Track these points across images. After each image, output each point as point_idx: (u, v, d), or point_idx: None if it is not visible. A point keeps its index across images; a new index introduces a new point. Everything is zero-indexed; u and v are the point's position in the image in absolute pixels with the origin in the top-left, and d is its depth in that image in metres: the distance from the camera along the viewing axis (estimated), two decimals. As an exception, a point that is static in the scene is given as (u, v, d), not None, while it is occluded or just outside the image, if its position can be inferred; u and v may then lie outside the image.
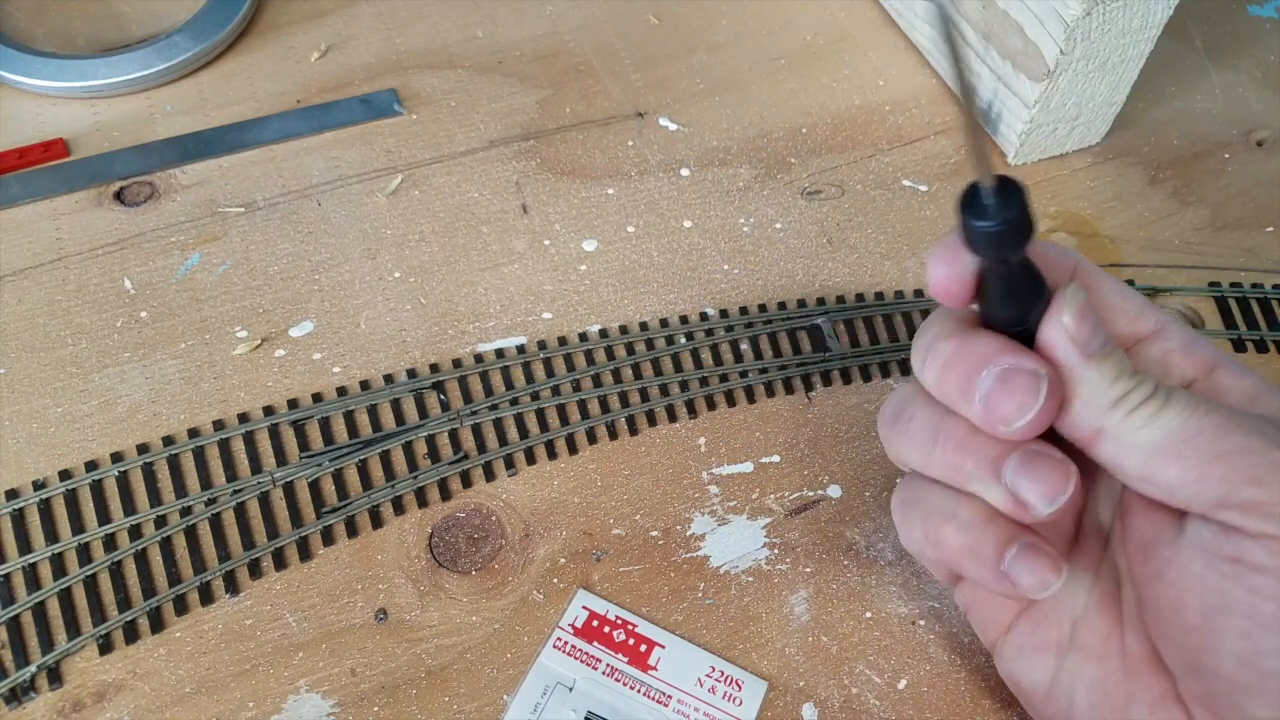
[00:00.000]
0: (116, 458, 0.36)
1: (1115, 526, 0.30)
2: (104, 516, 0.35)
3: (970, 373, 0.26)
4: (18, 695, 0.32)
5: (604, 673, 0.33)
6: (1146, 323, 0.28)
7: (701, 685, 0.33)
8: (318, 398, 0.38)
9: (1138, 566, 0.27)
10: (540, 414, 0.39)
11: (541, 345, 0.40)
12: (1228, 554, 0.24)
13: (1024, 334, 0.27)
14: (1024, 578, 0.27)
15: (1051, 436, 0.27)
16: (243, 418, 0.37)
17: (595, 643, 0.34)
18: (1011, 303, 0.26)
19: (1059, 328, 0.26)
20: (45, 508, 0.35)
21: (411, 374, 0.39)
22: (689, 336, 0.41)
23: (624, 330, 0.41)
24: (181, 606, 0.34)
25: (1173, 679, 0.27)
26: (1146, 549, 0.27)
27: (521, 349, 0.40)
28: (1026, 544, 0.27)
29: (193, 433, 0.37)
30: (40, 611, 0.33)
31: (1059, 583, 0.27)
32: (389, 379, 0.39)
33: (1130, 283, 0.43)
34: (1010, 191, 0.23)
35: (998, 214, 0.23)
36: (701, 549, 0.36)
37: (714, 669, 0.33)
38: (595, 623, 0.34)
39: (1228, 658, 0.25)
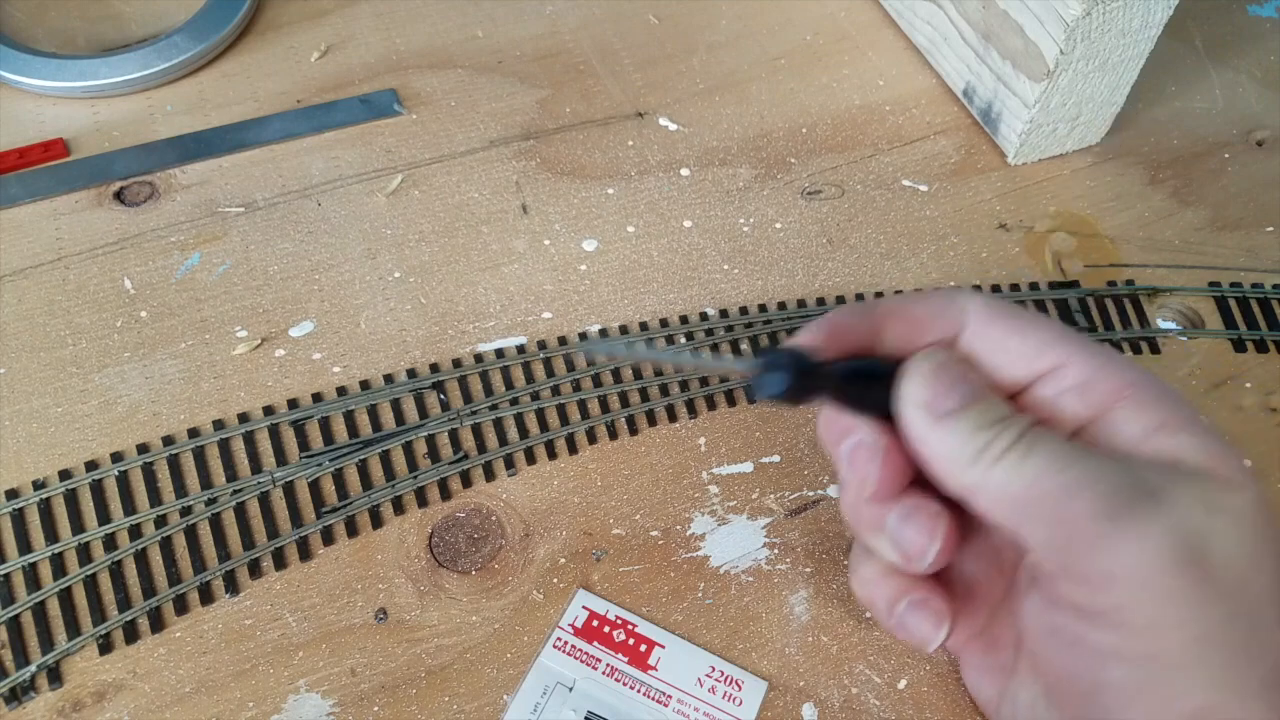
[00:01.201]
0: (116, 458, 0.36)
1: None
2: (104, 516, 0.35)
3: (835, 444, 0.29)
4: (18, 695, 0.32)
5: (604, 673, 0.33)
6: (1044, 360, 0.27)
7: (701, 685, 0.33)
8: (318, 398, 0.38)
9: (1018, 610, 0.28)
10: (540, 414, 0.39)
11: (541, 345, 0.40)
12: (1054, 622, 0.25)
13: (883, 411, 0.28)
14: (912, 631, 0.29)
15: None
16: (243, 418, 0.37)
17: (595, 643, 0.34)
18: (852, 405, 0.28)
19: (901, 403, 0.27)
20: (45, 508, 0.35)
21: (411, 374, 0.39)
22: (689, 336, 0.41)
23: (624, 330, 0.41)
24: (181, 606, 0.34)
25: None
26: (1017, 596, 0.28)
27: (521, 349, 0.40)
28: (912, 600, 0.29)
29: (193, 433, 0.37)
30: (40, 611, 0.33)
31: (942, 637, 0.28)
32: (389, 379, 0.39)
33: (1130, 282, 0.43)
34: (774, 379, 0.25)
35: (766, 389, 0.26)
36: (701, 549, 0.36)
37: (714, 669, 0.33)
38: (595, 623, 0.34)
39: (1072, 716, 0.26)
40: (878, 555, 0.29)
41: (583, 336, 0.40)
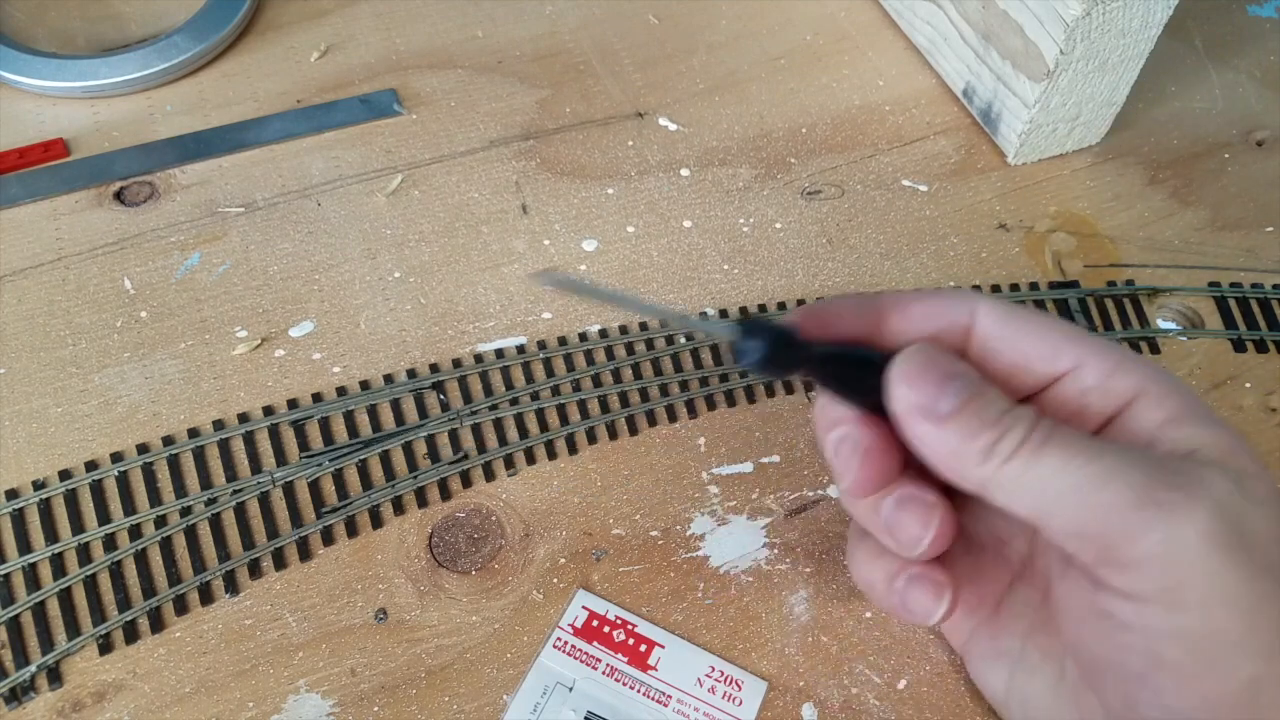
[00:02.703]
0: (116, 458, 0.36)
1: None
2: (104, 516, 0.35)
3: (824, 432, 0.28)
4: (18, 695, 0.32)
5: (604, 673, 0.33)
6: (1062, 361, 0.27)
7: (701, 685, 0.33)
8: (318, 398, 0.38)
9: (1050, 600, 0.28)
10: (540, 414, 0.39)
11: (541, 345, 0.40)
12: (1099, 608, 0.25)
13: (874, 406, 0.27)
14: (913, 606, 0.28)
15: None
16: (243, 418, 0.37)
17: (595, 643, 0.34)
18: (840, 394, 0.27)
19: (896, 402, 0.26)
20: (45, 508, 0.35)
21: (411, 374, 0.39)
22: (689, 336, 0.41)
23: (624, 330, 0.41)
24: (181, 606, 0.34)
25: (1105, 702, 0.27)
26: (1048, 587, 0.28)
27: (521, 349, 0.40)
28: (913, 575, 0.28)
29: (193, 433, 0.37)
30: (40, 611, 0.33)
31: (941, 608, 0.28)
32: (389, 379, 0.39)
33: (1130, 282, 0.43)
34: (754, 340, 0.25)
35: (746, 356, 0.25)
36: (701, 549, 0.36)
37: (714, 669, 0.33)
38: (595, 623, 0.34)
39: (1115, 699, 0.25)
40: (871, 539, 0.29)
41: (583, 337, 0.40)
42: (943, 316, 0.28)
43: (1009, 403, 0.26)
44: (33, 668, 0.32)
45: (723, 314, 0.41)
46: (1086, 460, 0.24)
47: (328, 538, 0.35)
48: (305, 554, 0.35)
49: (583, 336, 0.40)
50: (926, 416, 0.26)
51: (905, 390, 0.26)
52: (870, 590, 0.30)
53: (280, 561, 0.35)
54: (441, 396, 0.38)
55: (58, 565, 0.34)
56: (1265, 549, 0.23)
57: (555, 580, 0.35)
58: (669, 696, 0.33)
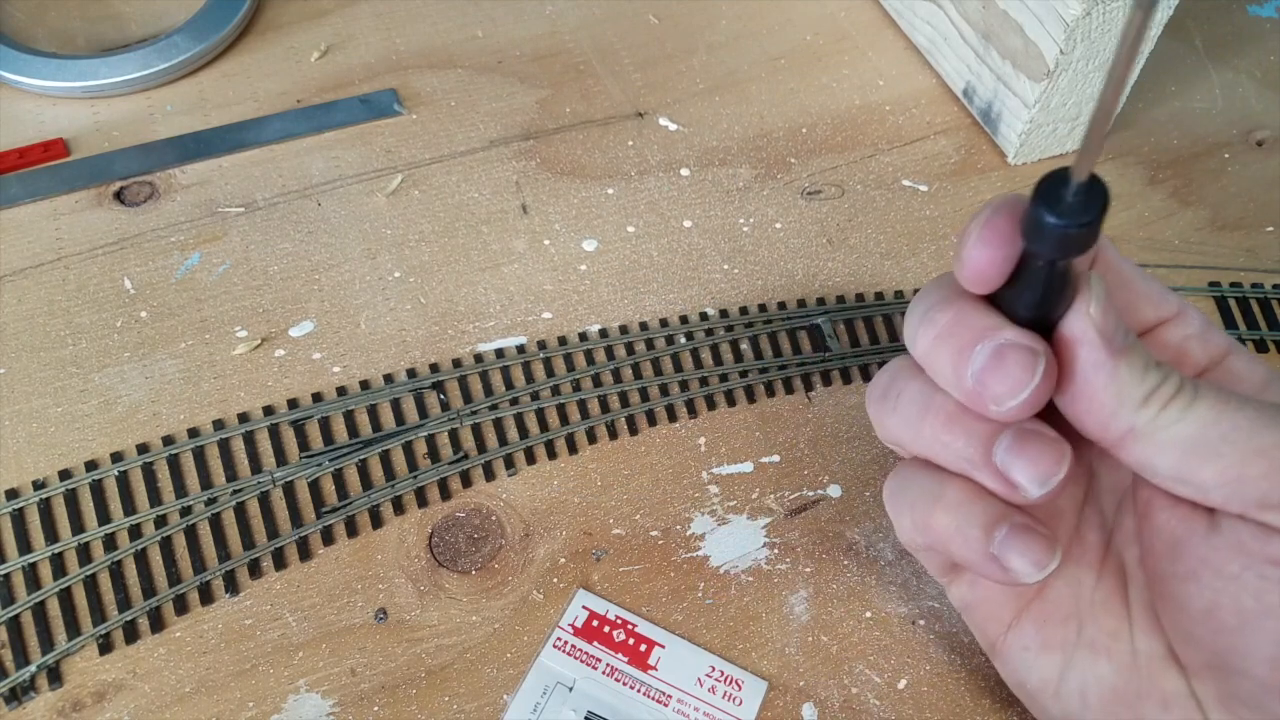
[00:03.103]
0: (116, 458, 0.36)
1: (1124, 521, 0.29)
2: (104, 516, 0.35)
3: (964, 346, 0.25)
4: (18, 695, 0.32)
5: (604, 672, 0.33)
6: (1168, 307, 0.27)
7: (701, 685, 0.33)
8: (318, 398, 0.38)
9: (1164, 565, 0.26)
10: (540, 414, 0.39)
11: (541, 345, 0.40)
12: (1269, 556, 0.24)
13: (1039, 326, 0.25)
14: (1014, 559, 0.26)
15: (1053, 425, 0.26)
16: (243, 418, 0.37)
17: (595, 642, 0.34)
18: (1042, 298, 0.25)
19: (1086, 321, 0.24)
20: (45, 508, 0.35)
21: (411, 374, 0.39)
22: (689, 336, 0.41)
23: (624, 330, 0.41)
24: (181, 606, 0.34)
25: (1187, 676, 0.27)
26: (1176, 548, 0.26)
27: (521, 349, 0.40)
28: (1017, 524, 0.26)
29: (193, 433, 0.37)
30: (40, 611, 0.33)
31: (1053, 564, 0.26)
32: (389, 379, 0.39)
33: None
34: (1097, 194, 0.22)
35: (1077, 215, 0.22)
36: (701, 549, 0.36)
37: (714, 669, 0.33)
38: (595, 622, 0.34)
39: (1259, 660, 0.24)
40: (963, 481, 0.27)
41: (583, 337, 0.40)
42: None
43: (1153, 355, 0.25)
44: (33, 668, 0.32)
45: (723, 314, 0.42)
46: (1239, 406, 0.24)
47: (328, 538, 0.35)
48: (305, 554, 0.35)
49: (583, 336, 0.40)
50: (1108, 344, 0.24)
51: (1100, 312, 0.24)
52: (955, 542, 0.27)
53: (280, 561, 0.35)
54: (441, 396, 0.38)
55: (58, 565, 0.34)
56: None
57: (555, 580, 0.35)
58: (669, 696, 0.33)
